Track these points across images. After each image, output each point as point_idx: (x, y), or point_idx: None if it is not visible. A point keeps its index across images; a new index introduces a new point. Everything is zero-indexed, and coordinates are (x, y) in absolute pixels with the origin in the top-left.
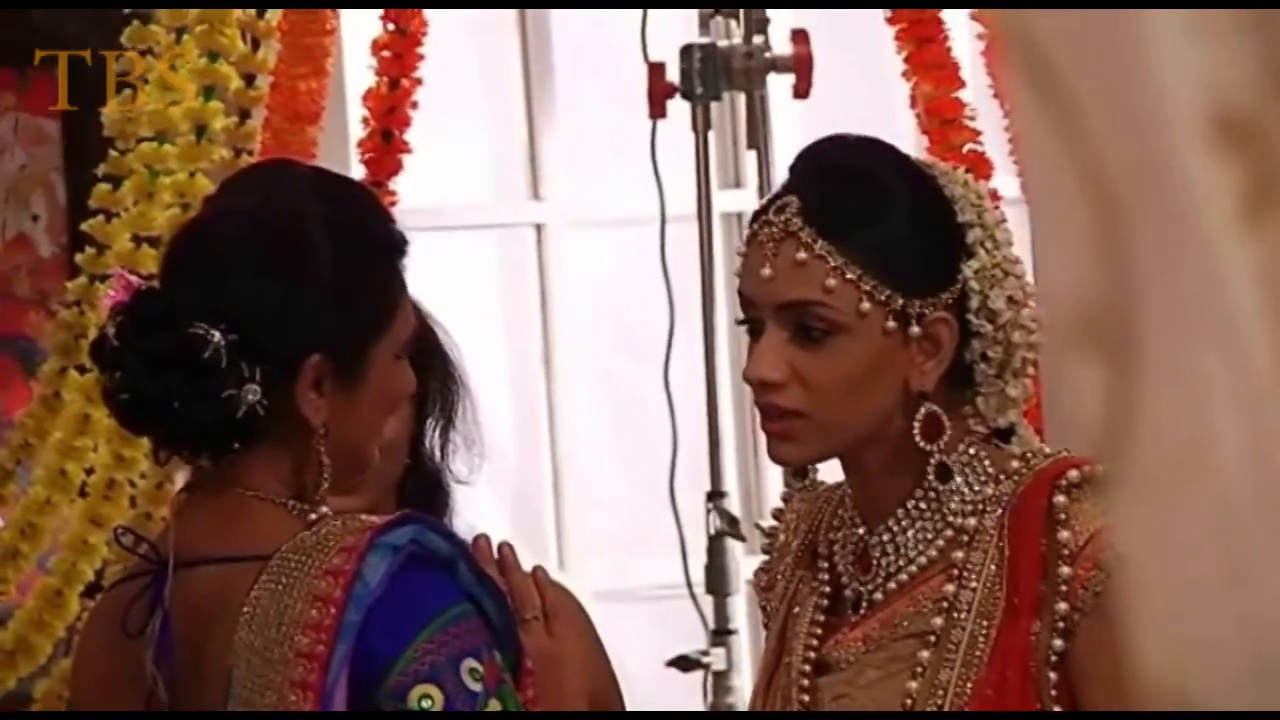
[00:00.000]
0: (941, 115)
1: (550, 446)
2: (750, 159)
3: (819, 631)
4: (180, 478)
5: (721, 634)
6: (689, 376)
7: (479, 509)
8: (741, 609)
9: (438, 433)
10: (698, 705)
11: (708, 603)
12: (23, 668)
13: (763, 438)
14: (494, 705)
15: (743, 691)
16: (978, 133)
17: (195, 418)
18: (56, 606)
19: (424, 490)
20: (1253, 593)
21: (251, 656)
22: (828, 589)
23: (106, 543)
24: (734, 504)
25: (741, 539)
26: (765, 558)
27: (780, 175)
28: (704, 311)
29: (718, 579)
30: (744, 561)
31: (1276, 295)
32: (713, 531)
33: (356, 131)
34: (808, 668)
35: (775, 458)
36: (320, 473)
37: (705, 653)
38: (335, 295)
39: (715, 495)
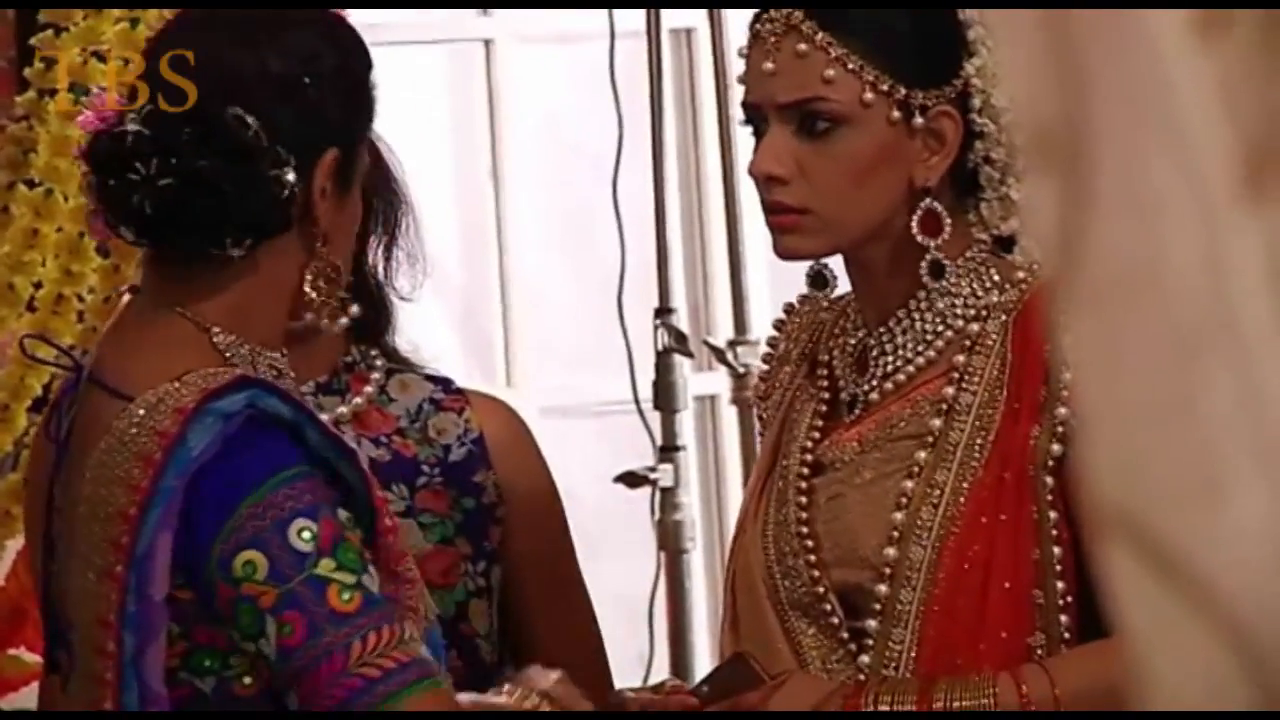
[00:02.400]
0: None
1: (498, 262)
2: None
3: (816, 435)
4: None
5: (669, 450)
6: (637, 193)
7: (426, 325)
8: (689, 425)
9: (380, 249)
10: (645, 521)
11: (655, 419)
12: None
13: (711, 253)
14: (325, 564)
15: (690, 508)
16: None
17: (242, 199)
18: (4, 421)
19: (366, 306)
20: (1201, 412)
21: (86, 508)
22: (826, 395)
23: (54, 358)
24: (682, 320)
25: (689, 355)
26: (764, 366)
27: None
28: (653, 127)
29: (665, 395)
30: (691, 378)
31: (1226, 108)
32: (661, 347)
33: None
34: (805, 470)
35: (780, 252)
36: (335, 280)
37: (653, 469)
38: (344, 91)
39: (663, 311)
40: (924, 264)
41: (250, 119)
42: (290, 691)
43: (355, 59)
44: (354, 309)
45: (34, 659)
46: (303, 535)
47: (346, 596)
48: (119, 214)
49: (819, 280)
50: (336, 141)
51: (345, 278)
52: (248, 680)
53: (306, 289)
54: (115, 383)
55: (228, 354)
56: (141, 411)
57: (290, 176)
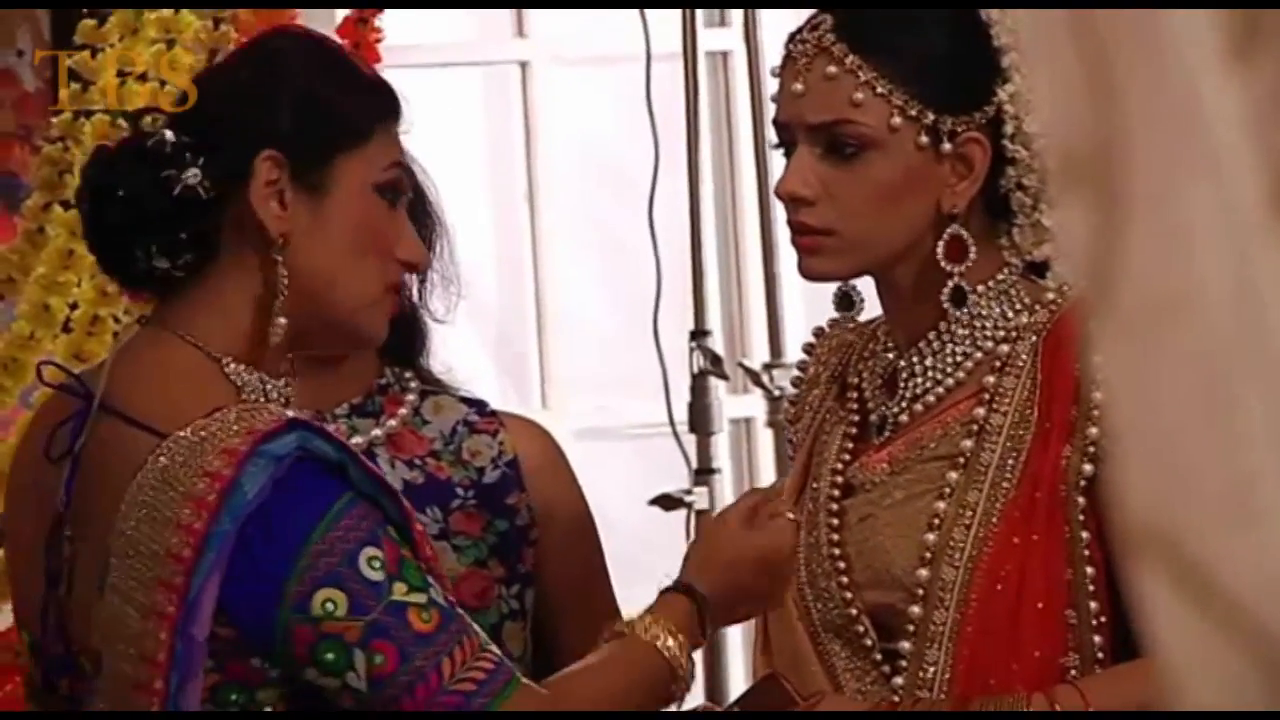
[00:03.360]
0: None
1: (534, 285)
2: None
3: (846, 457)
4: None
5: (704, 473)
6: (673, 215)
7: (461, 348)
8: (724, 448)
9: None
10: (680, 544)
11: (691, 441)
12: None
13: (747, 276)
14: (399, 589)
15: None
16: None
17: (138, 201)
18: None
19: (401, 330)
20: (1233, 433)
21: (127, 544)
22: (856, 417)
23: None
24: (717, 343)
25: (725, 378)
26: (793, 390)
27: (765, 14)
28: (688, 150)
29: (701, 418)
30: (726, 401)
31: (1261, 133)
32: (696, 370)
33: None
34: (836, 491)
35: (804, 273)
36: (276, 291)
37: (688, 491)
38: (297, 96)
39: (699, 334)
40: (946, 290)
41: (165, 131)
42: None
43: (331, 72)
44: (280, 322)
45: None
46: (373, 564)
47: (425, 617)
48: (90, 250)
49: (845, 302)
50: (274, 145)
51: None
52: (269, 709)
53: (261, 291)
54: (137, 414)
55: (239, 385)
56: (183, 451)
57: (190, 178)
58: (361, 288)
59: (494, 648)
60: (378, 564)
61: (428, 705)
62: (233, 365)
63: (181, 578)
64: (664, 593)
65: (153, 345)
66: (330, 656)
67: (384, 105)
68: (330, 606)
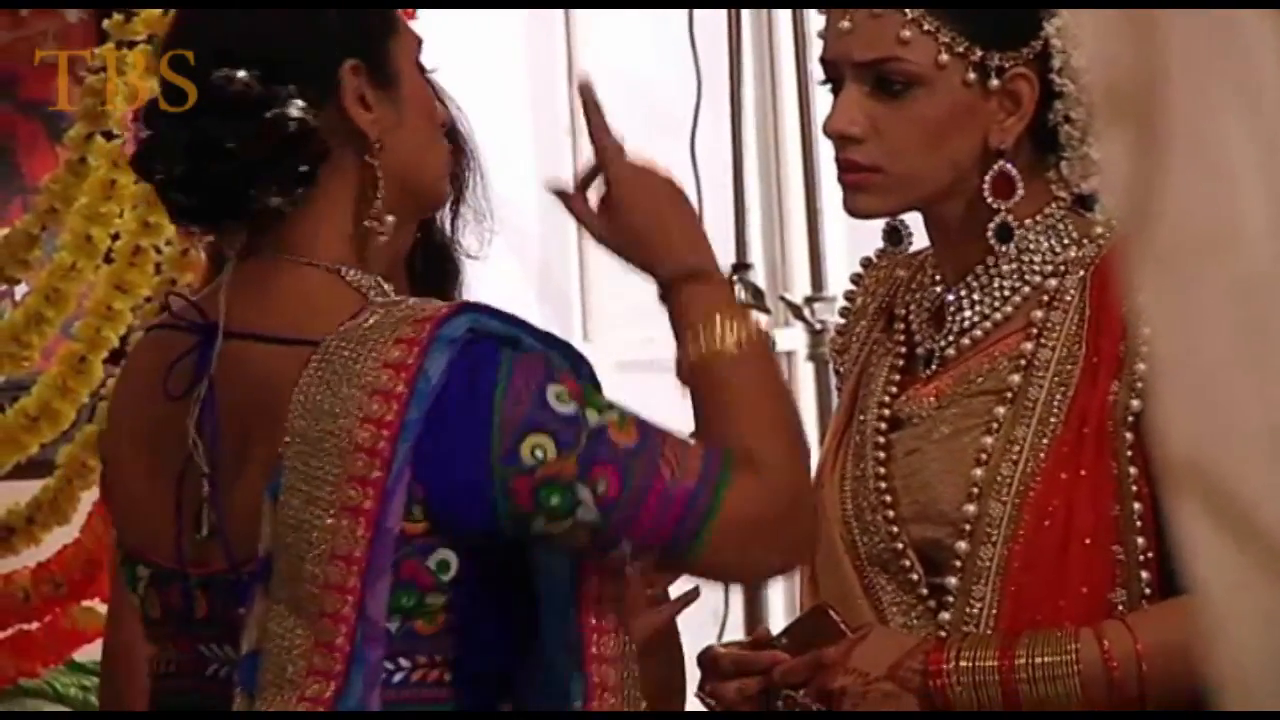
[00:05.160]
0: None
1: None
2: None
3: (893, 390)
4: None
5: None
6: (715, 151)
7: (503, 281)
8: None
9: (447, 206)
10: None
11: None
12: (46, 433)
13: (789, 211)
14: (591, 414)
15: None
16: None
17: (253, 148)
18: (81, 373)
19: (433, 264)
20: (1272, 369)
21: (304, 446)
22: (903, 349)
23: (132, 308)
24: (759, 276)
25: (766, 311)
26: (841, 321)
27: None
28: (731, 85)
29: None
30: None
31: None
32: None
33: None
34: (883, 424)
35: (851, 209)
36: (374, 192)
37: None
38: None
39: (740, 267)
40: (992, 226)
41: (238, 73)
42: (622, 541)
43: None
44: (389, 220)
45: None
46: (561, 399)
47: (625, 429)
48: (176, 214)
49: (894, 236)
50: (351, 52)
51: (440, 170)
52: (431, 619)
53: (355, 198)
54: (276, 331)
55: (364, 290)
56: (350, 346)
57: (295, 110)
58: (440, 159)
59: (690, 439)
60: (565, 397)
61: (662, 509)
62: (352, 273)
63: (379, 471)
64: (673, 295)
65: (267, 273)
66: (555, 500)
67: None
68: (540, 453)
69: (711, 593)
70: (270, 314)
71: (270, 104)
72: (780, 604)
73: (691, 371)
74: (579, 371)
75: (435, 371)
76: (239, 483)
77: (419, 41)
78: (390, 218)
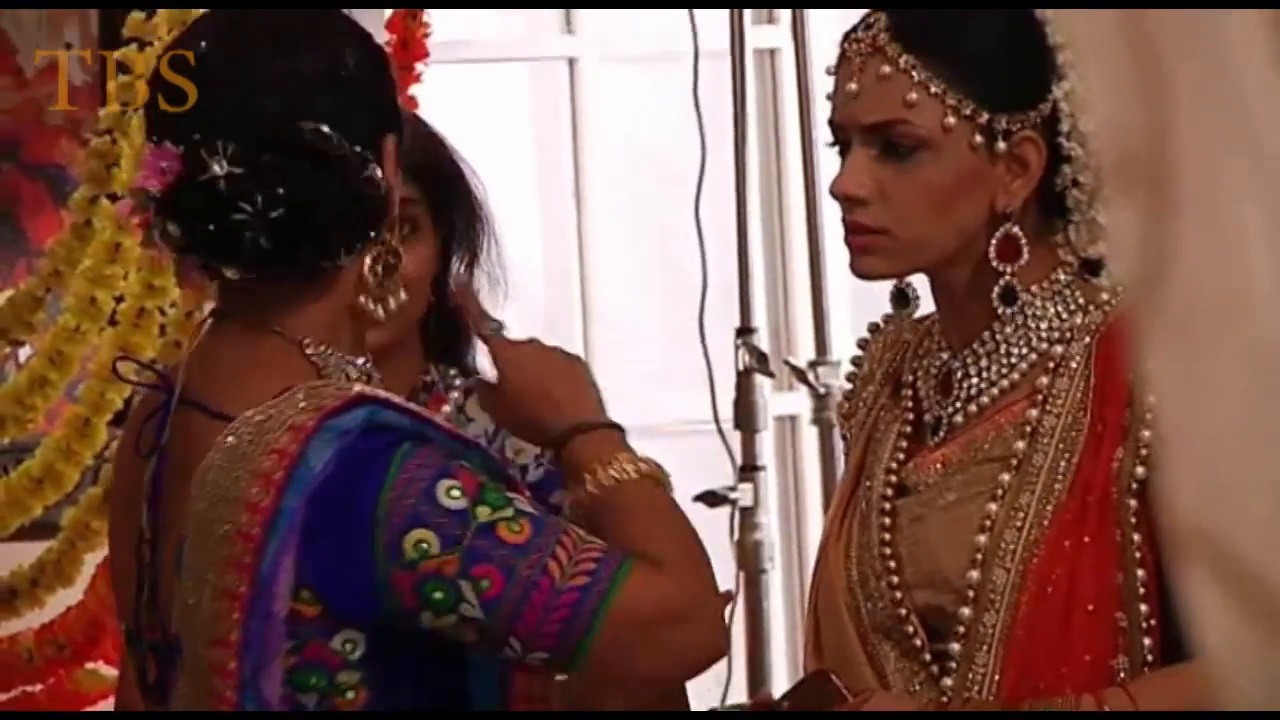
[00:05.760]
0: None
1: (580, 281)
2: None
3: (900, 456)
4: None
5: (749, 470)
6: (720, 213)
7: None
8: (769, 445)
9: (461, 270)
10: (724, 541)
11: (736, 438)
12: (50, 495)
13: (793, 274)
14: (482, 511)
15: (769, 528)
16: None
17: (351, 211)
18: (84, 435)
19: (446, 328)
20: None
21: (200, 526)
22: (910, 415)
23: (135, 372)
24: (763, 340)
25: (770, 375)
26: (848, 385)
27: (813, 11)
28: (735, 148)
29: (746, 415)
30: (772, 398)
31: None
32: (741, 367)
33: None
34: (889, 491)
35: (857, 272)
36: (393, 270)
37: (732, 488)
38: (379, 73)
39: (744, 331)
40: (996, 290)
41: (325, 128)
42: (510, 640)
43: (373, 45)
44: (401, 296)
45: (111, 673)
46: (451, 494)
47: (515, 528)
48: (224, 255)
49: (901, 299)
50: (392, 128)
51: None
52: (351, 695)
53: (365, 273)
54: (217, 406)
55: (320, 364)
56: (251, 430)
57: (378, 174)
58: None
59: (596, 539)
60: (457, 493)
61: (548, 610)
62: (312, 346)
63: (251, 556)
64: (565, 450)
65: (236, 338)
66: (439, 595)
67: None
68: (424, 547)
69: None
70: (217, 381)
71: (359, 165)
72: (783, 668)
73: (590, 509)
74: (493, 471)
75: (318, 461)
76: (162, 552)
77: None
78: (393, 300)
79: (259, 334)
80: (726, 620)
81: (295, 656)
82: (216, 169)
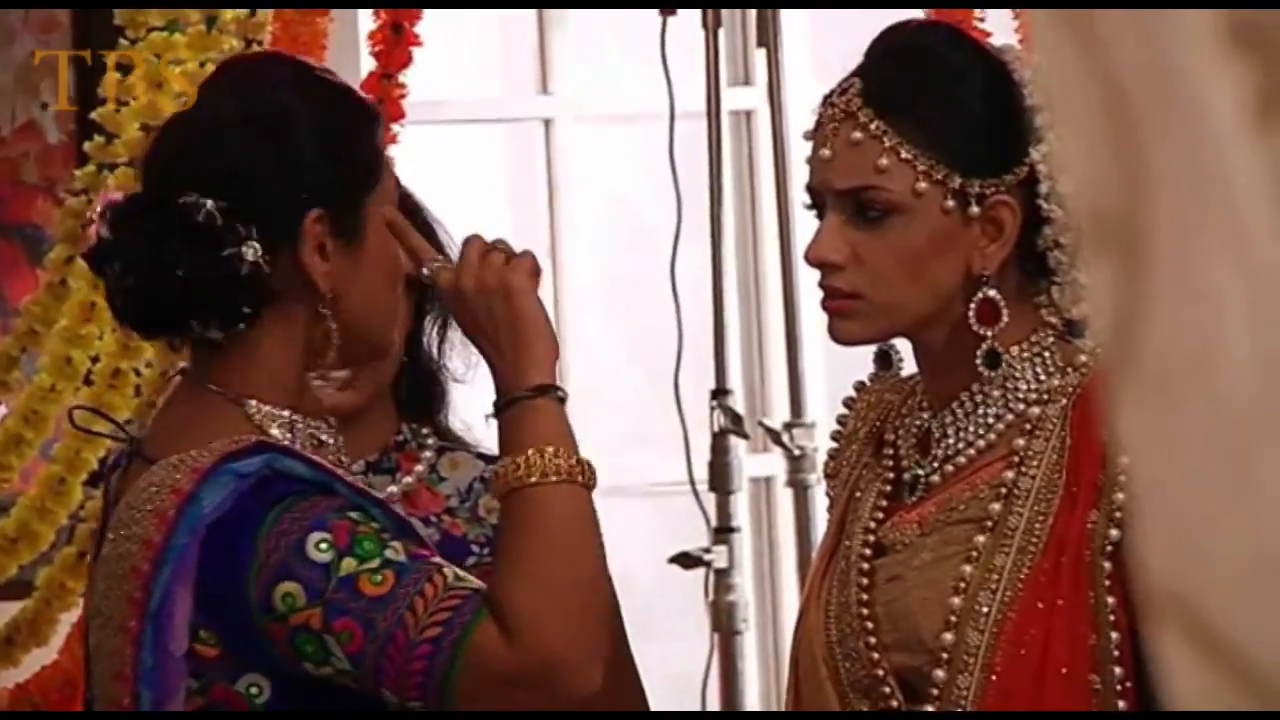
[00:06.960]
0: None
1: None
2: (760, 57)
3: (880, 515)
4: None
5: (724, 531)
6: (695, 274)
7: (484, 405)
8: (744, 507)
9: (435, 330)
10: (699, 602)
11: (710, 500)
12: (24, 555)
13: (768, 335)
14: (347, 564)
15: (744, 590)
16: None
17: (201, 281)
18: (59, 494)
19: (420, 388)
20: (1255, 501)
21: (107, 567)
22: (891, 475)
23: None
24: (738, 402)
25: (745, 436)
26: (832, 444)
27: (789, 73)
28: (711, 209)
29: (721, 476)
30: (747, 459)
31: None
32: (716, 429)
33: (367, 23)
34: (867, 550)
35: (834, 337)
36: (328, 344)
37: (707, 550)
38: (322, 149)
39: (719, 393)
40: (980, 353)
41: (206, 202)
42: (382, 691)
43: (336, 113)
44: (338, 375)
45: None
46: (320, 547)
47: (378, 579)
48: (114, 310)
49: (884, 360)
50: (319, 203)
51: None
52: None
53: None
54: (155, 456)
55: (263, 423)
56: (161, 473)
57: (250, 253)
58: (391, 314)
59: (471, 580)
60: (325, 546)
61: (405, 662)
62: (255, 406)
63: (140, 592)
64: (501, 417)
65: (189, 397)
66: (309, 648)
67: (378, 125)
68: (290, 600)
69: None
70: (160, 435)
71: (229, 241)
72: None
73: (503, 498)
74: (397, 526)
75: (210, 501)
76: (89, 596)
77: (396, 182)
78: (341, 372)
79: (201, 391)
80: (604, 657)
81: (202, 698)
82: (103, 232)
